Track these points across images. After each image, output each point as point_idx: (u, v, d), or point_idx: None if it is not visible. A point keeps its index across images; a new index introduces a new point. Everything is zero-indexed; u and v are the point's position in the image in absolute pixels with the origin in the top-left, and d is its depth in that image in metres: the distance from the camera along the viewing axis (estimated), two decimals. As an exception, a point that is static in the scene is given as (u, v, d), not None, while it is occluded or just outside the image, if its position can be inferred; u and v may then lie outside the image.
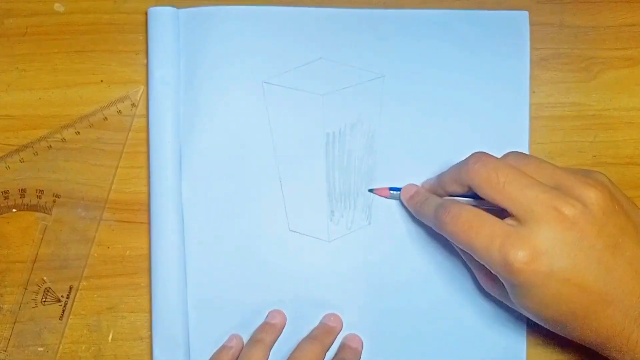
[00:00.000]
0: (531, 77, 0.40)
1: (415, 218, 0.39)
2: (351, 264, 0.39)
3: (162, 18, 0.39)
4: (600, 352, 0.32)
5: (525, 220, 0.30)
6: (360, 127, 0.40)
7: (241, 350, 0.38)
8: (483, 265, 0.33)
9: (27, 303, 0.39)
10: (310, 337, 0.38)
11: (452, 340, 0.39)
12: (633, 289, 0.30)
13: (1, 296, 0.39)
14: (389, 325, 0.39)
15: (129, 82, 0.40)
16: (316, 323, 0.39)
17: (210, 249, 0.39)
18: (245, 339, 0.39)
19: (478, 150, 0.33)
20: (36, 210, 0.39)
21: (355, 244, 0.39)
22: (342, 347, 0.39)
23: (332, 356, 0.39)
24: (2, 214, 0.39)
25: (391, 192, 0.39)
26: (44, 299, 0.39)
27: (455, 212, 0.32)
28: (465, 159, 0.33)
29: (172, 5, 0.39)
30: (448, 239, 0.33)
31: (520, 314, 0.35)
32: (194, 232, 0.39)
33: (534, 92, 0.41)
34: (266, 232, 0.39)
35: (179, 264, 0.38)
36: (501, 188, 0.31)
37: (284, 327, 0.39)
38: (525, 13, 0.40)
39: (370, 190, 0.39)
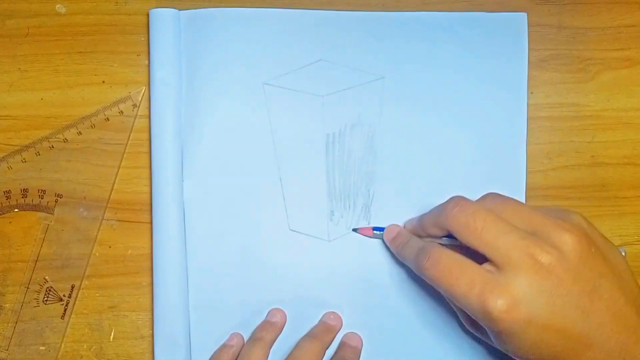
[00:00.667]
0: (529, 78, 0.40)
1: (413, 217, 0.39)
2: (351, 264, 0.40)
3: (163, 19, 0.39)
4: None
5: (502, 266, 0.30)
6: (360, 128, 0.40)
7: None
8: (465, 312, 0.33)
9: (29, 302, 0.39)
10: (310, 336, 0.38)
11: (451, 340, 0.39)
12: (612, 332, 0.30)
13: (3, 295, 0.39)
14: (388, 324, 0.39)
15: (131, 83, 0.40)
16: (316, 322, 0.39)
17: (212, 248, 0.39)
18: (246, 338, 0.39)
19: (456, 195, 0.34)
20: (38, 210, 0.39)
21: (355, 244, 0.40)
22: (342, 345, 0.39)
23: (332, 354, 0.39)
24: (4, 213, 0.39)
25: (375, 232, 0.39)
26: (45, 298, 0.39)
27: (435, 257, 0.33)
28: (444, 203, 0.34)
29: (173, 7, 0.39)
30: (429, 283, 0.33)
31: None
32: (196, 232, 0.39)
33: (532, 92, 0.41)
34: (267, 232, 0.39)
35: (181, 264, 0.39)
36: (479, 234, 0.31)
37: (284, 325, 0.39)
38: (524, 15, 0.40)
39: (355, 230, 0.40)
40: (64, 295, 0.39)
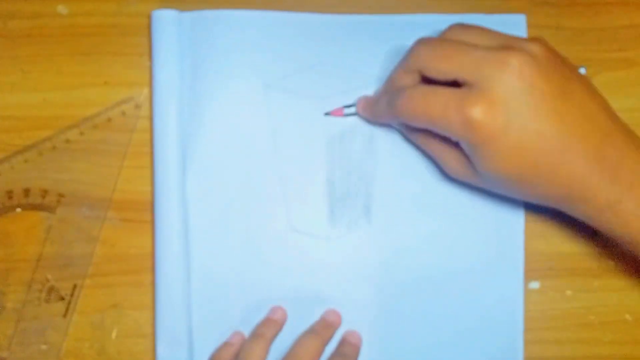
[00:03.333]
0: (528, 79, 0.41)
1: (415, 216, 0.40)
2: (351, 264, 0.40)
3: (165, 21, 0.39)
4: (566, 209, 0.33)
5: (476, 80, 0.31)
6: (361, 130, 0.40)
7: (243, 347, 0.38)
8: (444, 146, 0.34)
9: (31, 301, 0.39)
10: (311, 332, 0.39)
11: (450, 339, 0.40)
12: (586, 132, 0.31)
13: (5, 295, 0.39)
14: (387, 323, 0.40)
15: (133, 84, 0.40)
16: (316, 320, 0.40)
17: (213, 247, 0.39)
18: (246, 335, 0.39)
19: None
20: (40, 210, 0.39)
21: (355, 244, 0.40)
22: (342, 342, 0.39)
23: (332, 351, 0.39)
24: (6, 213, 0.40)
25: (345, 109, 0.39)
26: (47, 297, 0.39)
27: (408, 92, 0.33)
28: (409, 47, 0.34)
29: (175, 9, 0.39)
30: (406, 122, 0.34)
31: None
32: (197, 231, 0.39)
33: (530, 93, 0.41)
34: (268, 231, 0.40)
35: (182, 262, 0.39)
36: (448, 59, 0.32)
37: (284, 323, 0.39)
38: (523, 16, 0.40)
39: (327, 114, 0.39)
40: (66, 294, 0.39)
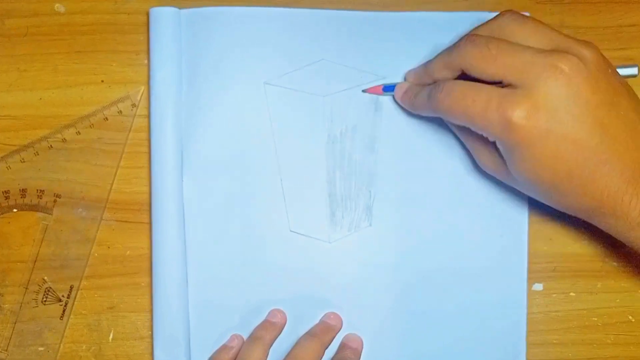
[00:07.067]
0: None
1: (418, 217, 0.39)
2: (352, 265, 0.39)
3: (163, 18, 0.39)
4: (594, 221, 0.33)
5: (521, 82, 0.30)
6: (362, 128, 0.40)
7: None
8: (481, 142, 0.33)
9: (28, 303, 0.39)
10: (310, 334, 0.38)
11: (453, 341, 0.39)
12: (627, 147, 0.31)
13: (2, 296, 0.39)
14: (388, 326, 0.39)
15: (130, 83, 0.40)
16: (316, 323, 0.39)
17: (211, 248, 0.39)
18: (246, 339, 0.39)
19: (467, 34, 0.34)
20: (37, 210, 0.39)
21: (355, 246, 0.39)
22: (343, 346, 0.39)
23: (332, 355, 0.39)
24: (3, 213, 0.39)
25: (384, 92, 0.39)
26: (44, 299, 0.39)
27: (449, 87, 0.33)
28: (455, 43, 0.34)
29: (174, 6, 0.39)
30: (445, 118, 0.34)
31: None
32: (195, 232, 0.39)
33: (533, 92, 0.41)
34: (267, 233, 0.39)
35: (180, 264, 0.38)
36: (494, 60, 0.31)
37: (284, 326, 0.39)
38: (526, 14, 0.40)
39: (364, 91, 0.39)
40: (62, 296, 0.39)
